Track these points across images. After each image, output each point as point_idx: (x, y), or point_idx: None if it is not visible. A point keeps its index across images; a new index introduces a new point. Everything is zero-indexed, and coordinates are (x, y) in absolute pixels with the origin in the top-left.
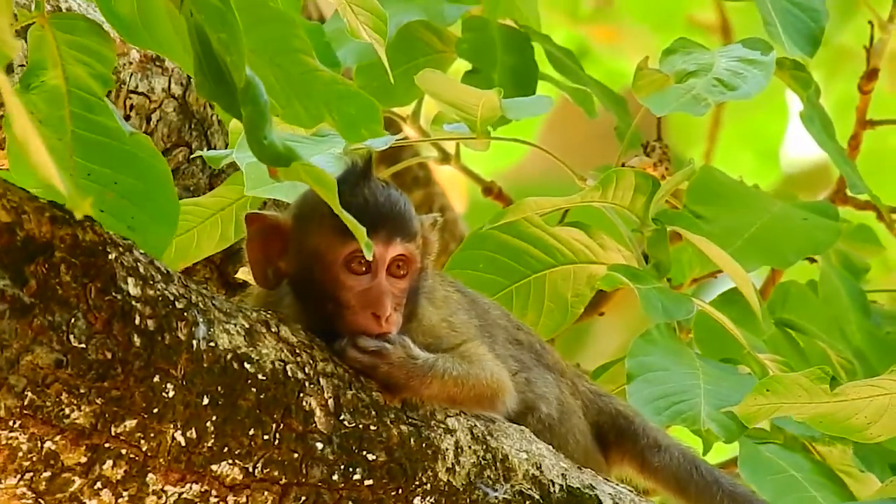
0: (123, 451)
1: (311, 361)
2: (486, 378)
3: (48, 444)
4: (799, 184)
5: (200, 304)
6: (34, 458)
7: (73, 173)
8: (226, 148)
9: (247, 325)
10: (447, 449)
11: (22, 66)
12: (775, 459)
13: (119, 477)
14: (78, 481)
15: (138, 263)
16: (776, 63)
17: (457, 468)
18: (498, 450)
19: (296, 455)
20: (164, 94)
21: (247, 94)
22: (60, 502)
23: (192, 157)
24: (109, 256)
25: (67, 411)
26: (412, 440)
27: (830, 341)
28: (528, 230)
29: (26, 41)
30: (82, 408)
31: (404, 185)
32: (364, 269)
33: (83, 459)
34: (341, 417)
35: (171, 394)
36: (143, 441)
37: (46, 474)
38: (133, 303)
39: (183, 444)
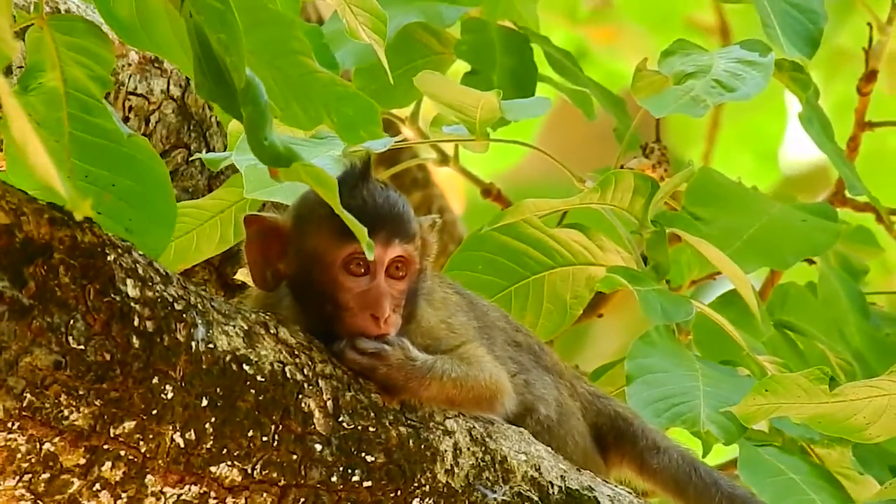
0: (122, 453)
1: (310, 363)
2: (485, 380)
3: (47, 445)
4: (798, 185)
5: (199, 305)
6: (33, 460)
7: (70, 175)
8: (224, 149)
9: (246, 327)
10: (446, 450)
11: (20, 67)
12: (774, 462)
13: (118, 478)
14: (77, 483)
15: (137, 265)
16: (775, 64)
17: (456, 470)
18: (497, 451)
19: (295, 456)
20: (162, 95)
21: (247, 94)
22: None
23: (190, 158)
24: (108, 258)
25: (66, 413)
26: (411, 442)
27: (829, 343)
28: (526, 232)
29: (25, 42)
30: (81, 409)
31: (403, 186)
32: (363, 270)
33: (82, 461)
34: (340, 419)
35: (169, 395)
36: (141, 442)
37: (45, 476)
38: (132, 304)
39: (182, 445)
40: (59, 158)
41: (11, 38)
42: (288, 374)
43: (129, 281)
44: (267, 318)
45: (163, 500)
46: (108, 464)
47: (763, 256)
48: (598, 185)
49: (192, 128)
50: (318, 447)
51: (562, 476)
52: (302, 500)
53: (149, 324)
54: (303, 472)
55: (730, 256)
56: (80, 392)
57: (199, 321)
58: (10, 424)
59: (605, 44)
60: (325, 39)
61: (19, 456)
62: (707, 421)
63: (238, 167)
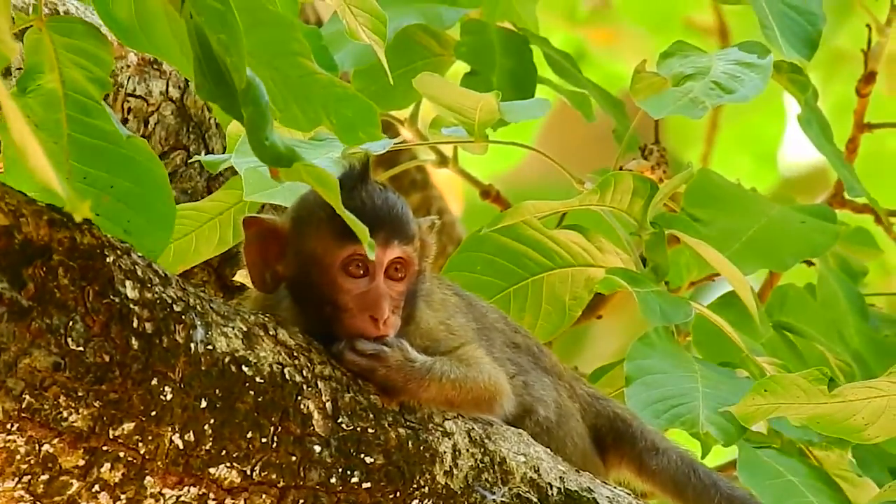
0: (121, 454)
1: (309, 364)
2: (484, 381)
3: (46, 447)
4: (797, 187)
5: (198, 307)
6: (32, 461)
7: (69, 177)
8: (223, 151)
9: (245, 329)
10: (445, 452)
11: (19, 69)
12: (773, 464)
13: (117, 480)
14: (76, 484)
15: (136, 266)
16: (774, 66)
17: (455, 471)
18: (496, 453)
19: (294, 458)
20: (161, 97)
21: (248, 94)
22: None
23: (189, 160)
24: (107, 259)
25: (65, 414)
26: (410, 443)
27: (828, 344)
28: (525, 233)
29: (23, 44)
30: (80, 411)
31: (402, 188)
32: (362, 272)
33: (81, 462)
34: (339, 420)
35: (169, 397)
36: (140, 444)
37: (44, 477)
38: (131, 306)
39: (181, 447)
40: (57, 160)
41: (10, 40)
42: (287, 376)
43: (128, 282)
44: (266, 319)
45: (162, 501)
46: (108, 465)
47: (762, 258)
48: (597, 187)
49: (190, 129)
50: (317, 448)
51: (561, 477)
52: (301, 501)
53: (148, 325)
54: (302, 474)
55: (729, 258)
56: (80, 393)
57: (198, 322)
58: (9, 426)
59: (604, 45)
60: (323, 41)
61: (18, 457)
62: (706, 422)
63: (237, 170)
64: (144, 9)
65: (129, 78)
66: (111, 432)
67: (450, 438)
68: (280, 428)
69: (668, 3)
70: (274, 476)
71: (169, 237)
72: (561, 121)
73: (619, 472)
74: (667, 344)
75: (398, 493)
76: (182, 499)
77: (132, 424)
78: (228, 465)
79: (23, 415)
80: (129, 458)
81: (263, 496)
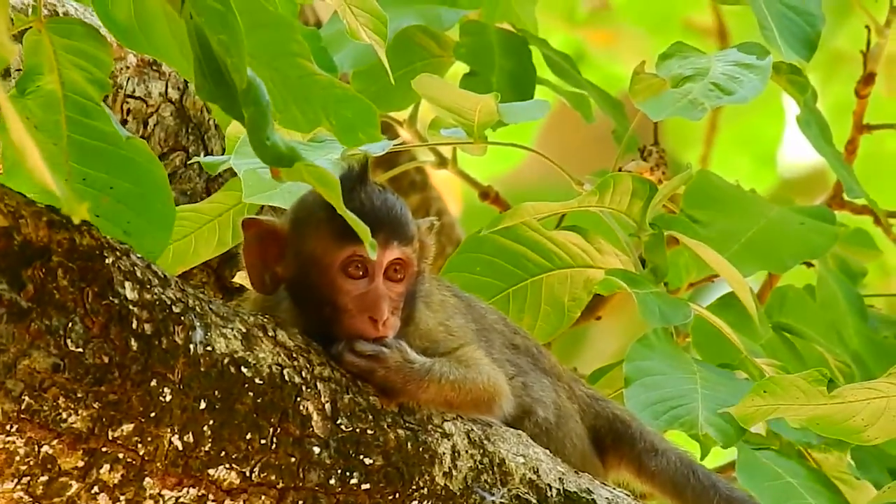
0: (121, 456)
1: (308, 365)
2: (483, 382)
3: (45, 448)
4: (796, 188)
5: (197, 308)
6: (31, 463)
7: (68, 178)
8: (223, 152)
9: (244, 330)
10: (444, 453)
11: (18, 70)
12: (772, 466)
13: (116, 481)
14: (75, 485)
15: (135, 268)
16: (773, 67)
17: (454, 472)
18: (495, 454)
19: (293, 459)
20: (160, 98)
21: (248, 95)
22: None
23: (189, 162)
24: (107, 261)
25: (65, 415)
26: (409, 444)
27: (828, 345)
28: (525, 234)
29: (22, 45)
30: (79, 412)
31: (401, 189)
32: (361, 273)
33: (80, 464)
34: (338, 421)
35: (168, 398)
36: (140, 445)
37: (43, 478)
38: (130, 307)
39: (180, 448)
40: (57, 161)
41: (9, 42)
42: (286, 377)
43: (127, 284)
44: (265, 320)
45: (161, 502)
46: (107, 466)
47: (761, 259)
48: (596, 188)
49: (190, 130)
50: (317, 450)
51: (560, 478)
52: (300, 502)
53: (147, 326)
54: (301, 475)
55: (728, 259)
56: (79, 395)
57: (198, 324)
58: (8, 427)
59: (603, 46)
60: (322, 42)
61: (18, 458)
62: (705, 424)
63: (237, 171)
64: (143, 10)
65: (129, 79)
66: (110, 433)
67: (449, 439)
68: (279, 429)
69: (666, 4)
70: (273, 477)
71: (168, 238)
72: (560, 122)
73: (619, 473)
74: (666, 345)
75: (397, 495)
76: (181, 500)
77: (131, 426)
78: (228, 466)
79: (22, 416)
80: (129, 460)
81: (263, 497)
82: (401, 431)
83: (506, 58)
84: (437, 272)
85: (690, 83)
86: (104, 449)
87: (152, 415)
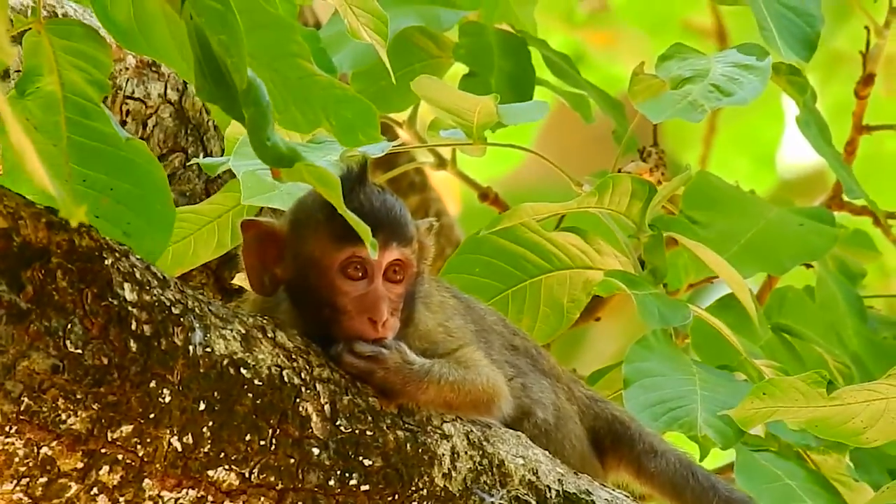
0: (120, 457)
1: (308, 367)
2: (483, 383)
3: (44, 449)
4: (795, 189)
5: (197, 309)
6: (30, 464)
7: (68, 179)
8: (222, 153)
9: (243, 331)
10: (443, 454)
11: (18, 71)
12: (771, 467)
13: (115, 482)
14: (74, 487)
15: (135, 269)
16: (772, 68)
17: (453, 474)
18: (494, 455)
19: (292, 460)
20: (160, 99)
21: (249, 95)
22: None
23: (188, 163)
24: (106, 262)
25: (64, 417)
26: (408, 445)
27: (827, 346)
28: (524, 235)
29: (22, 47)
30: (79, 413)
31: (400, 190)
32: (360, 274)
33: (79, 465)
34: (338, 423)
35: (167, 399)
36: (139, 446)
37: (43, 480)
38: (129, 308)
39: (179, 449)
40: (56, 163)
41: (8, 43)
42: (285, 378)
43: (126, 285)
44: (264, 321)
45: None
46: (106, 468)
47: (760, 261)
48: (595, 189)
49: (189, 132)
50: (316, 451)
51: (559, 480)
52: (299, 503)
53: (146, 328)
54: (300, 476)
55: (727, 260)
56: (78, 396)
57: (197, 325)
58: (7, 428)
59: (602, 47)
60: (322, 43)
61: (17, 460)
62: (704, 425)
63: (236, 173)
64: (143, 11)
65: (128, 80)
66: (110, 435)
67: (448, 441)
68: (278, 430)
69: (665, 4)
70: (272, 478)
71: (168, 239)
72: (559, 123)
73: (618, 474)
74: (665, 346)
75: (397, 496)
76: (181, 501)
77: (131, 427)
78: (227, 467)
79: (21, 417)
80: (128, 461)
81: (262, 499)
82: (400, 433)
83: (505, 59)
84: (436, 273)
85: (690, 85)
86: (103, 450)
87: (151, 416)
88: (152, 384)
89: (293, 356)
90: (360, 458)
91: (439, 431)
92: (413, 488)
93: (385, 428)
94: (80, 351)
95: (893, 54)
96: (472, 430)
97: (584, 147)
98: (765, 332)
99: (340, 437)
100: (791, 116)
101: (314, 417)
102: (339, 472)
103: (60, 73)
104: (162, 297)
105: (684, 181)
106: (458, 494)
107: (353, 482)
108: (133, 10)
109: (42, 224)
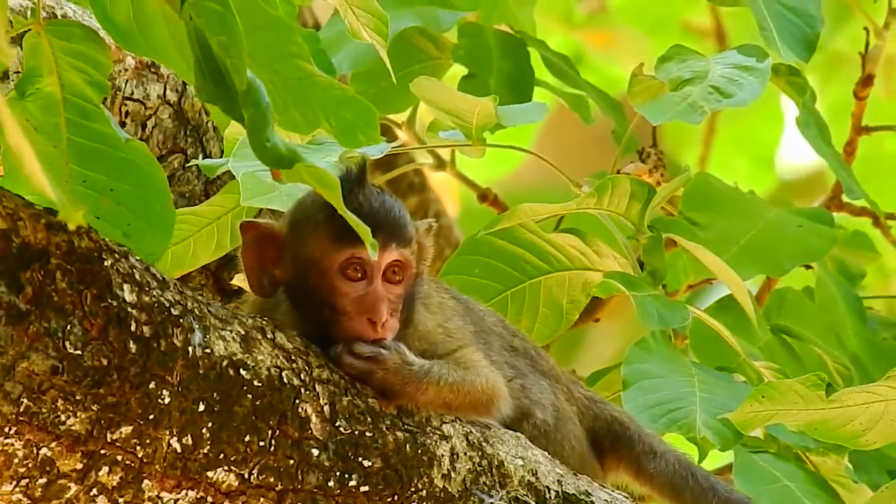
0: (119, 458)
1: (307, 368)
2: (482, 384)
3: (44, 450)
4: (795, 190)
5: (196, 310)
6: (30, 465)
7: (68, 180)
8: (221, 154)
9: (242, 332)
10: (443, 455)
11: (17, 72)
12: (770, 469)
13: (115, 483)
14: (74, 488)
15: (134, 270)
16: (771, 69)
17: (452, 474)
18: (494, 456)
19: (291, 461)
20: (159, 100)
21: (248, 96)
22: None
23: (187, 164)
24: (105, 263)
25: (63, 418)
26: (408, 446)
27: (827, 348)
28: (523, 236)
29: (21, 48)
30: (78, 414)
31: (399, 191)
32: (360, 275)
33: (79, 466)
34: (337, 424)
35: (166, 400)
36: (138, 447)
37: (42, 481)
38: (129, 309)
39: (179, 450)
40: (56, 164)
41: (8, 44)
42: (285, 379)
43: (125, 286)
44: (264, 322)
45: None
46: (105, 469)
47: (760, 262)
48: (594, 190)
49: (188, 133)
50: (315, 452)
51: (559, 481)
52: None
53: (146, 329)
54: (300, 477)
55: (726, 262)
56: (77, 397)
57: (196, 326)
58: (7, 429)
59: (601, 48)
60: (321, 44)
61: (16, 461)
62: (703, 427)
63: (235, 174)
64: (142, 12)
65: (127, 81)
66: (109, 436)
67: (448, 442)
68: (278, 431)
69: (664, 5)
70: (272, 479)
71: (168, 240)
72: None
73: (617, 475)
74: (664, 348)
75: (396, 497)
76: (180, 502)
77: (130, 428)
78: (226, 468)
79: (21, 418)
80: (127, 462)
81: (261, 500)
82: (399, 434)
83: (504, 60)
84: (435, 274)
85: (690, 86)
86: (103, 451)
87: (151, 417)
88: (152, 385)
89: (292, 357)
90: (360, 459)
91: (439, 432)
92: (412, 489)
93: (384, 429)
94: (79, 352)
95: (892, 55)
96: (471, 431)
97: (584, 148)
98: (764, 333)
99: (340, 438)
100: (790, 117)
101: (314, 418)
102: (338, 473)
103: (60, 75)
104: (161, 299)
105: (683, 182)
106: (457, 495)
107: (352, 483)
108: (132, 11)
109: (41, 225)
